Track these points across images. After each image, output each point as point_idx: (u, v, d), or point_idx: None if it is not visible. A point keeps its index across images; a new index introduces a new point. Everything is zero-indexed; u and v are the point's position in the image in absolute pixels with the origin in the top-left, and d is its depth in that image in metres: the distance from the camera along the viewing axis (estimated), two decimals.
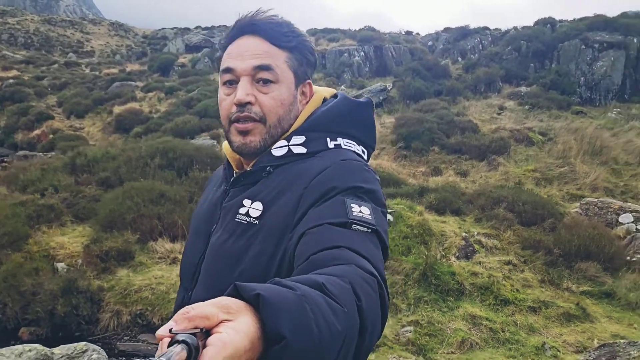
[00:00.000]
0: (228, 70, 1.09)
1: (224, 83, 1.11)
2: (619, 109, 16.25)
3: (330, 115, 1.14)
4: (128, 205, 6.51)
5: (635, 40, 17.35)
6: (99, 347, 3.75)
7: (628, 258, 6.79)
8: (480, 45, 19.96)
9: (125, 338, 5.19)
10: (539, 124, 14.30)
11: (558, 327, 4.87)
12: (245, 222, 1.05)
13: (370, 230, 0.92)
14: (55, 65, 27.43)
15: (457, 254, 6.02)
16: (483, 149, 12.16)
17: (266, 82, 1.08)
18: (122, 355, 4.86)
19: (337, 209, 0.94)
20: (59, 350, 3.48)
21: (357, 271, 0.79)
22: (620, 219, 8.54)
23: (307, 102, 1.17)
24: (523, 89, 17.20)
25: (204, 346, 0.55)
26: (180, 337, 0.53)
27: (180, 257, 6.16)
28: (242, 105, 1.07)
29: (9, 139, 17.30)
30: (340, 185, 0.98)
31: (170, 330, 0.55)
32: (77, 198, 7.38)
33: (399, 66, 18.83)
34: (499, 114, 15.68)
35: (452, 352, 4.47)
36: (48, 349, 3.49)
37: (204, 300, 0.97)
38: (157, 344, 0.59)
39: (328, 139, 1.11)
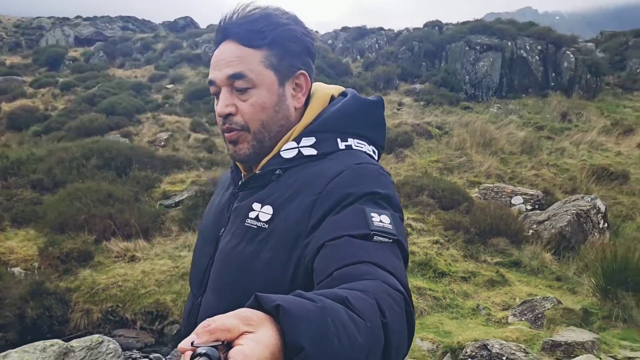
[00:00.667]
0: (210, 82, 1.09)
1: (212, 94, 1.12)
2: (498, 105, 18.34)
3: (340, 115, 1.11)
4: (77, 207, 6.54)
5: (509, 43, 19.62)
6: (111, 338, 4.00)
7: (524, 233, 8.10)
8: (377, 45, 21.32)
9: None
10: (435, 118, 15.79)
11: (486, 292, 5.86)
12: (255, 227, 1.03)
13: (391, 241, 0.91)
14: None
15: None
16: (390, 142, 13.27)
17: (243, 89, 1.05)
18: None
19: (358, 219, 0.92)
20: (77, 343, 3.69)
21: (383, 287, 0.78)
22: (512, 201, 9.98)
23: (304, 94, 1.13)
24: (417, 86, 18.75)
25: (226, 358, 0.55)
26: (202, 350, 0.54)
27: (138, 255, 6.40)
28: (224, 117, 1.07)
29: None
30: (357, 191, 0.96)
31: (192, 344, 0.55)
32: (11, 202, 7.19)
33: None
34: (398, 109, 17.02)
35: None
36: (67, 343, 3.70)
37: (215, 306, 1.02)
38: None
39: (339, 140, 1.08)
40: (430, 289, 5.75)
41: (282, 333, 0.59)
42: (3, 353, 3.46)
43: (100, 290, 5.64)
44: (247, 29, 1.05)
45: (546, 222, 8.56)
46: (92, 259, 6.06)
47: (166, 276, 5.89)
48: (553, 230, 8.14)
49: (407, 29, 21.77)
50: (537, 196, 10.01)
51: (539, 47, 19.69)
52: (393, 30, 22.70)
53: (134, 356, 5.01)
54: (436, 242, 6.96)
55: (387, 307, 0.73)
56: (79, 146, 8.35)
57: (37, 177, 7.78)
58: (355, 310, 0.67)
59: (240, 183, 1.15)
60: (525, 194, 10.09)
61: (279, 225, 1.00)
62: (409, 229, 7.20)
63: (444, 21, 21.91)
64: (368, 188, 0.97)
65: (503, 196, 10.10)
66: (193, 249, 1.31)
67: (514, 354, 3.96)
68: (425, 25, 21.62)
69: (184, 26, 24.30)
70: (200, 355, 0.53)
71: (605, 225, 8.62)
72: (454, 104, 17.75)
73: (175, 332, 5.36)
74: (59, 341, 3.66)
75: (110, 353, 3.65)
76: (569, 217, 8.25)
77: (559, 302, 5.27)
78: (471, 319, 5.30)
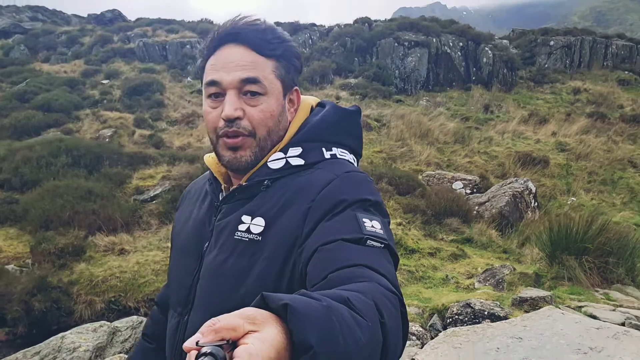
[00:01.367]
0: (213, 82, 1.06)
1: (209, 95, 1.07)
2: (427, 98, 19.63)
3: (324, 125, 1.13)
4: (61, 204, 6.67)
5: (434, 40, 20.96)
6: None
7: (473, 213, 9.10)
8: (310, 40, 21.97)
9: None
10: (372, 111, 16.71)
11: (451, 264, 6.70)
12: (247, 239, 1.02)
13: (383, 245, 0.93)
14: None
15: None
16: None
17: (254, 94, 1.05)
18: None
19: (350, 224, 0.94)
20: (121, 323, 4.02)
21: (379, 288, 0.79)
22: (453, 186, 11.02)
23: (295, 110, 1.15)
24: (352, 80, 19.61)
25: (231, 357, 0.55)
26: (207, 349, 0.54)
27: (127, 248, 6.65)
28: (230, 121, 1.04)
29: None
30: (349, 198, 0.98)
31: (197, 343, 0.55)
32: None
33: None
34: (337, 102, 17.78)
35: None
36: (112, 323, 4.02)
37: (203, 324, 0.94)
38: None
39: (324, 149, 1.10)
40: (404, 264, 6.49)
41: (287, 332, 0.59)
42: (59, 335, 3.74)
43: (100, 282, 5.88)
44: (257, 37, 1.05)
45: (487, 203, 9.64)
46: (84, 253, 6.25)
47: (161, 266, 6.21)
48: (494, 211, 9.21)
49: (338, 25, 22.58)
50: (475, 181, 11.12)
51: (461, 44, 21.22)
52: (324, 26, 23.41)
53: None
54: (399, 224, 7.74)
55: (385, 308, 0.74)
56: (43, 144, 8.32)
57: (4, 176, 7.72)
58: (357, 311, 0.68)
59: (224, 195, 1.13)
60: (464, 179, 11.18)
61: (273, 237, 1.00)
62: None
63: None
64: (359, 195, 0.99)
65: (445, 182, 11.12)
66: (169, 262, 1.27)
67: (492, 309, 4.76)
68: (355, 21, 22.54)
69: (112, 19, 23.62)
70: (206, 354, 0.53)
71: (536, 204, 9.84)
72: (387, 97, 18.78)
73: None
74: (107, 322, 3.99)
75: None
76: (506, 198, 9.35)
77: (514, 269, 6.19)
78: (443, 287, 6.10)
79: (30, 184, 7.53)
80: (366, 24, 22.22)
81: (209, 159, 1.19)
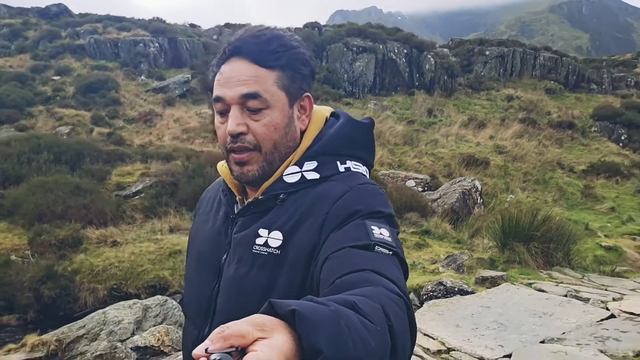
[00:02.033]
0: (218, 99, 1.06)
1: (218, 112, 1.08)
2: (374, 101, 20.68)
3: (339, 138, 1.12)
4: (53, 198, 6.97)
5: (381, 46, 22.08)
6: (169, 297, 4.86)
7: (429, 208, 10.06)
8: None
9: None
10: None
11: (416, 252, 7.56)
12: (266, 253, 1.03)
13: (391, 252, 0.93)
14: None
15: None
16: None
17: (256, 110, 1.04)
18: None
19: (359, 231, 0.95)
20: (149, 301, 4.52)
21: (386, 292, 0.80)
22: (407, 184, 12.00)
23: (307, 117, 1.14)
24: None
25: None
26: (216, 357, 0.54)
27: (119, 240, 7.06)
28: (234, 136, 1.05)
29: None
30: (364, 209, 1.00)
31: (206, 350, 0.56)
32: None
33: (194, 58, 20.06)
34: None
35: None
36: (143, 301, 4.51)
37: None
38: None
39: (338, 163, 1.10)
40: None
41: (296, 338, 0.60)
42: (100, 311, 4.19)
43: (101, 271, 6.28)
44: (260, 49, 1.05)
45: (439, 199, 10.65)
46: (81, 245, 6.60)
47: (156, 256, 6.67)
48: (446, 206, 10.22)
49: (288, 28, 23.21)
50: (426, 180, 12.15)
51: (405, 51, 22.47)
52: None
53: None
54: None
55: (392, 311, 0.75)
56: (21, 140, 8.47)
57: None
58: (365, 315, 0.68)
59: (239, 208, 1.14)
60: (416, 178, 12.18)
61: (292, 250, 1.01)
62: None
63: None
64: (373, 207, 1.01)
65: (398, 180, 12.07)
66: (185, 271, 1.27)
67: (461, 286, 5.63)
68: (305, 26, 23.29)
69: (57, 13, 23.03)
70: None
71: (481, 201, 10.96)
72: (337, 100, 19.65)
73: (178, 301, 6.25)
74: (139, 300, 4.48)
75: (175, 307, 4.55)
76: (456, 195, 10.39)
77: (472, 255, 7.13)
78: (412, 272, 6.93)
79: (12, 179, 7.71)
80: (316, 29, 23.03)
81: (223, 168, 1.19)
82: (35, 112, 14.93)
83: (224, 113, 1.06)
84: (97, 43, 19.28)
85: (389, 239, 0.95)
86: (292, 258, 1.00)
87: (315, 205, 1.03)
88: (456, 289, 5.57)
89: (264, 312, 0.62)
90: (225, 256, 1.10)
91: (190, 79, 18.40)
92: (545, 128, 17.97)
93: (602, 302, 5.19)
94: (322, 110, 1.19)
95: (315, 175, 1.08)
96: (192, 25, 23.54)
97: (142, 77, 18.46)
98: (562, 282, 6.03)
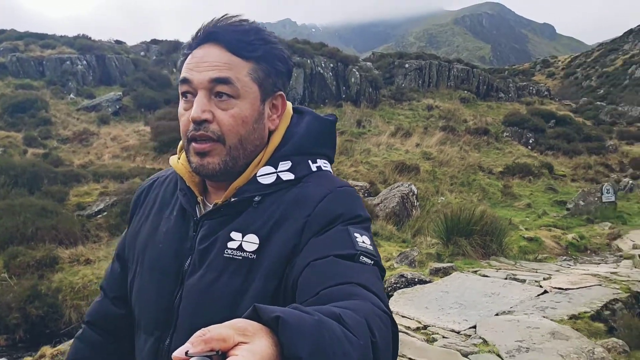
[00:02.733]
0: (184, 80, 1.01)
1: (182, 94, 1.02)
2: None
3: (310, 137, 1.09)
4: (22, 221, 7.09)
5: (309, 61, 22.99)
6: None
7: (370, 212, 10.91)
8: None
9: None
10: None
11: None
12: (240, 257, 0.98)
13: (373, 262, 0.93)
14: None
15: None
16: None
17: (224, 95, 0.99)
18: None
19: (343, 239, 0.94)
20: None
21: (372, 307, 0.79)
22: None
23: (278, 117, 1.09)
24: None
25: None
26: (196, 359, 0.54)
27: (91, 258, 7.30)
28: (198, 123, 0.98)
29: None
30: (346, 213, 0.98)
31: (186, 353, 0.55)
32: None
33: (124, 76, 19.92)
34: None
35: None
36: None
37: None
38: None
39: (310, 162, 1.07)
40: None
41: (278, 345, 0.59)
42: None
43: (81, 288, 6.51)
44: (237, 38, 1.00)
45: (380, 204, 11.56)
46: (57, 264, 6.78)
47: None
48: (387, 210, 11.14)
49: None
50: (366, 187, 13.06)
51: (332, 65, 23.54)
52: None
53: None
54: None
55: (376, 327, 0.74)
56: None
57: None
58: (349, 328, 0.68)
59: (207, 210, 1.06)
60: (357, 185, 13.06)
61: (269, 254, 0.97)
62: None
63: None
64: (354, 211, 1.00)
65: None
66: (134, 284, 1.15)
67: (420, 277, 6.46)
68: None
69: None
70: None
71: (417, 203, 12.00)
72: None
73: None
74: None
75: None
76: (397, 199, 11.35)
77: (421, 251, 8.02)
78: None
79: None
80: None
81: (179, 166, 1.12)
82: None
83: (188, 96, 1.01)
84: (19, 61, 18.65)
85: (371, 248, 0.95)
86: (268, 262, 0.96)
87: (294, 207, 1.00)
88: (416, 280, 6.39)
89: (247, 317, 0.61)
90: (188, 262, 1.03)
91: (122, 96, 18.29)
92: (463, 135, 19.59)
93: (535, 281, 6.20)
94: (289, 107, 1.14)
95: (291, 176, 1.04)
96: (118, 42, 23.27)
97: (72, 95, 18.11)
98: (500, 269, 7.03)
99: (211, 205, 1.06)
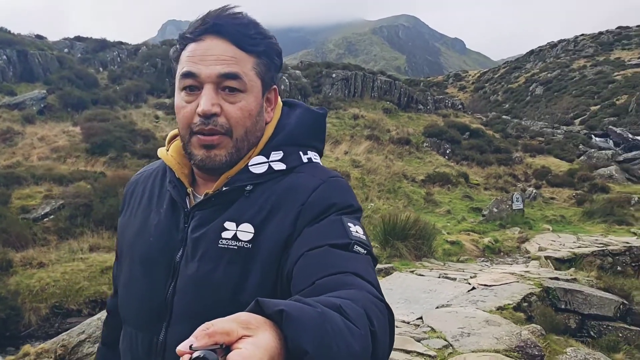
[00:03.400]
0: (190, 74, 1.00)
1: (184, 88, 1.01)
2: None
3: (303, 129, 1.11)
4: None
5: None
6: None
7: None
8: (119, 58, 22.22)
9: (56, 325, 6.45)
10: None
11: None
12: (235, 247, 0.98)
13: (366, 251, 0.93)
14: None
15: None
16: None
17: (233, 90, 1.00)
18: None
19: (337, 228, 0.94)
20: None
21: (369, 297, 0.80)
22: None
23: (272, 110, 1.11)
24: (167, 100, 20.65)
25: None
26: (200, 354, 0.54)
27: (44, 261, 7.37)
28: (207, 117, 0.98)
29: None
30: (339, 202, 0.99)
31: (190, 347, 0.55)
32: None
33: (47, 73, 19.23)
34: (156, 122, 18.74)
35: None
36: None
37: None
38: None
39: (301, 153, 1.08)
40: None
41: (282, 337, 0.60)
42: (96, 316, 4.76)
43: (39, 290, 6.61)
44: (239, 31, 1.01)
45: None
46: (12, 268, 6.81)
47: (89, 273, 7.13)
48: None
49: (145, 45, 23.27)
50: None
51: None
52: (129, 44, 23.81)
53: None
54: None
55: (375, 316, 0.75)
56: None
57: None
58: (350, 319, 0.69)
59: (198, 201, 1.07)
60: None
61: (265, 243, 0.97)
62: None
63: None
64: (348, 201, 1.01)
65: None
66: (121, 279, 1.16)
67: None
68: (163, 43, 23.55)
69: None
70: (199, 358, 0.54)
71: None
72: None
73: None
74: None
75: None
76: None
77: None
78: None
79: None
80: (175, 46, 23.39)
81: (169, 158, 1.12)
82: None
83: (193, 90, 1.00)
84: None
85: (364, 237, 0.96)
86: (264, 252, 0.97)
87: (287, 196, 1.00)
88: None
89: (250, 311, 0.61)
90: (180, 253, 1.04)
91: (47, 94, 17.69)
92: (387, 144, 20.78)
93: (464, 279, 7.11)
94: (279, 99, 1.15)
95: (282, 166, 1.05)
96: (39, 37, 22.28)
97: None
98: (433, 269, 7.92)
99: (201, 197, 1.07)
